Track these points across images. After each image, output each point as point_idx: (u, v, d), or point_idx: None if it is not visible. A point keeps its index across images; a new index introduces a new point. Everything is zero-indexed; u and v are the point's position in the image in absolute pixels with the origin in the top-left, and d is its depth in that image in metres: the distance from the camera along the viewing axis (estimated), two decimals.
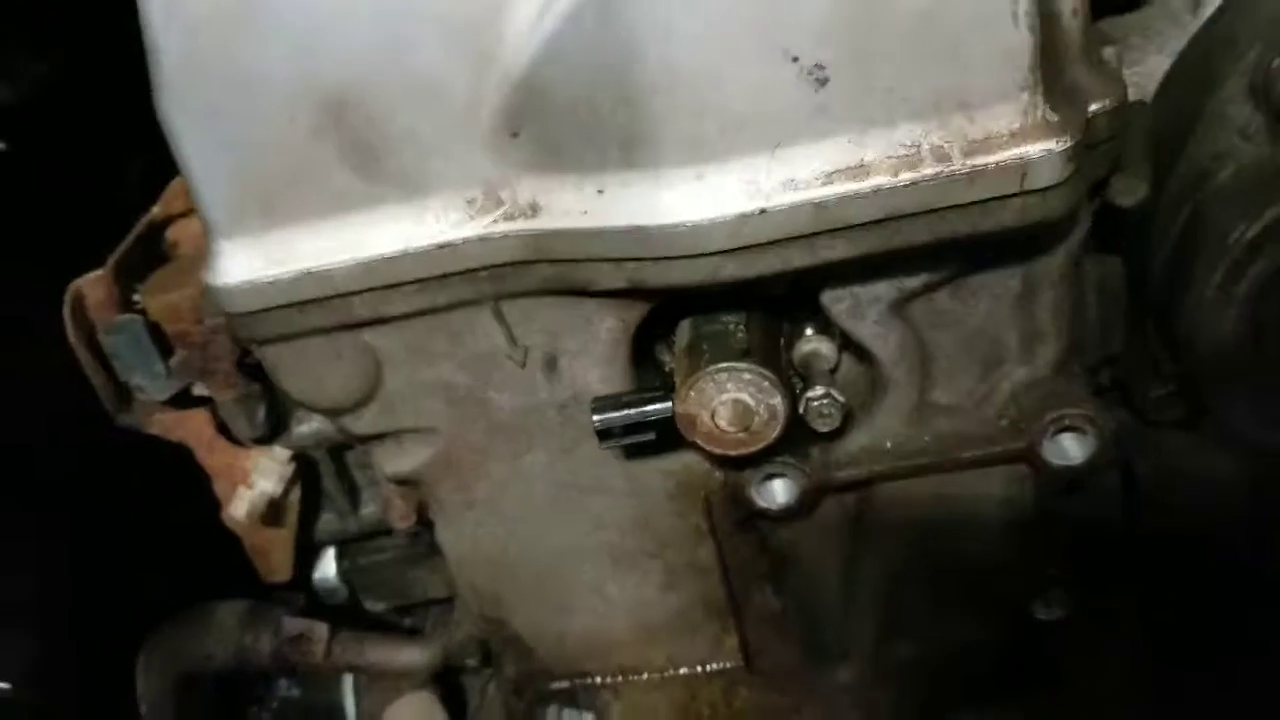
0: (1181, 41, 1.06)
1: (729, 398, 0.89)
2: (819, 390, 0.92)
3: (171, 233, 1.15)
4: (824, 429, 0.94)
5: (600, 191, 0.83)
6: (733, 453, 0.92)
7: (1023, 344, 0.96)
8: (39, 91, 1.50)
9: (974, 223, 0.80)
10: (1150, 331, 1.03)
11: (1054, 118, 0.78)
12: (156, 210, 1.14)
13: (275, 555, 1.15)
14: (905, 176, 0.79)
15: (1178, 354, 0.98)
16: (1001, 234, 0.82)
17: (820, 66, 0.77)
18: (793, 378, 0.98)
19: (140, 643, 1.30)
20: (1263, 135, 0.93)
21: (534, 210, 0.86)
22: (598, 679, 1.20)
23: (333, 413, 1.02)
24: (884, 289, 0.91)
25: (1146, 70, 1.07)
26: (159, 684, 1.27)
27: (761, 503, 1.02)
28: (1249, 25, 0.95)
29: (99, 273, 1.06)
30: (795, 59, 0.77)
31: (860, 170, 0.79)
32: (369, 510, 1.21)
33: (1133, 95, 1.07)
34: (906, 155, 0.79)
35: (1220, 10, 1.01)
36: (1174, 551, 1.07)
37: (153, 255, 1.13)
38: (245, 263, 0.90)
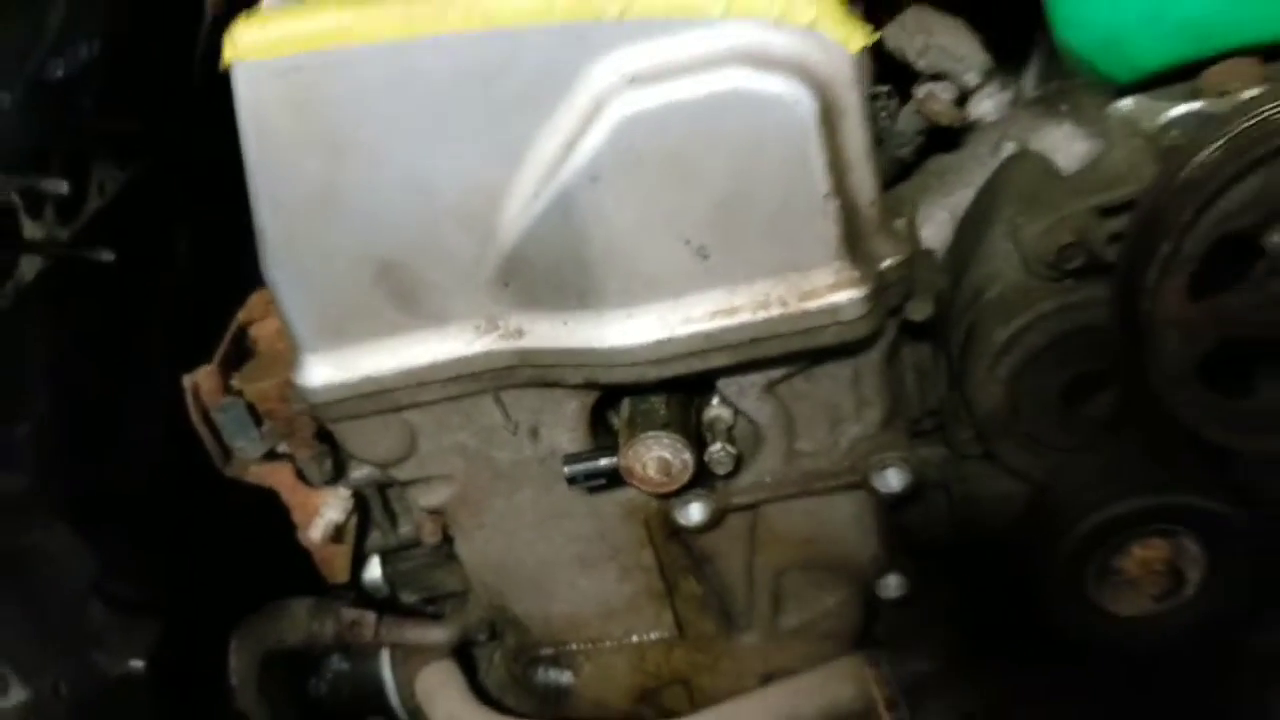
0: (983, 178, 1.35)
1: (655, 455, 1.19)
2: (717, 446, 1.23)
3: (253, 331, 1.43)
4: (721, 472, 1.24)
5: (565, 323, 1.13)
6: (660, 491, 1.22)
7: (856, 410, 1.27)
8: (123, 196, 1.82)
9: (806, 342, 1.13)
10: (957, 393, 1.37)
11: (856, 274, 1.10)
12: (241, 316, 1.43)
13: (337, 564, 1.40)
14: (761, 314, 1.11)
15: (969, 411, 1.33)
16: (826, 349, 1.16)
17: (704, 247, 1.09)
18: (704, 434, 1.27)
19: (232, 631, 1.52)
20: (1016, 268, 1.24)
21: (520, 334, 1.15)
22: (573, 646, 1.45)
23: (382, 466, 1.31)
24: (757, 378, 1.23)
25: (956, 201, 1.38)
26: (246, 662, 1.50)
27: (683, 521, 1.30)
28: (1009, 187, 1.28)
29: (208, 367, 1.34)
30: (688, 242, 1.09)
31: (732, 311, 1.11)
32: (405, 529, 1.45)
33: (947, 221, 1.38)
34: (761, 300, 1.11)
35: (999, 168, 1.33)
36: (980, 548, 1.40)
37: (242, 350, 1.41)
38: (322, 370, 1.19)
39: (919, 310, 1.22)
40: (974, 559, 1.39)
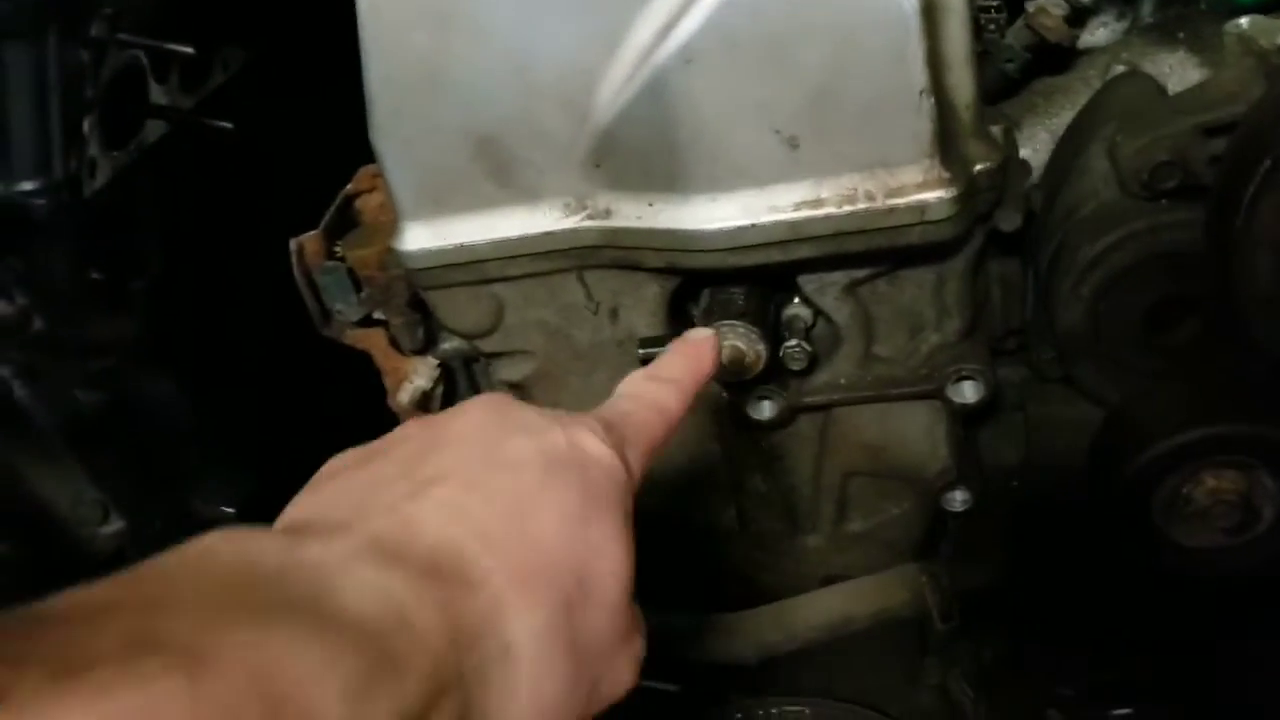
0: None
1: (729, 344, 1.17)
2: (793, 342, 1.24)
3: (359, 203, 1.47)
4: (796, 368, 1.25)
5: (650, 205, 1.14)
6: (731, 380, 1.22)
7: (937, 318, 1.25)
8: (244, 74, 1.89)
9: (891, 240, 1.13)
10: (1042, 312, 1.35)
11: (946, 175, 1.10)
12: (349, 187, 1.47)
13: None
14: (847, 208, 1.11)
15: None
16: (911, 249, 1.16)
17: (794, 137, 1.10)
18: (782, 331, 1.29)
19: None
20: (1112, 186, 1.23)
21: (608, 214, 1.16)
22: None
23: (469, 337, 1.35)
24: (839, 276, 1.22)
25: (1060, 122, 1.38)
26: None
27: (754, 416, 1.30)
28: (1111, 104, 1.26)
29: (314, 233, 1.38)
30: (778, 131, 1.10)
31: (818, 203, 1.12)
32: None
33: (1048, 141, 1.38)
34: (848, 194, 1.11)
35: (1104, 85, 1.32)
36: (1051, 470, 1.42)
37: (347, 219, 1.45)
38: (420, 236, 1.21)
39: (1008, 220, 1.21)
40: (1044, 481, 1.40)
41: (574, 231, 1.19)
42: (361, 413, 1.48)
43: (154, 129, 1.63)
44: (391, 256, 1.30)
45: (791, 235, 1.14)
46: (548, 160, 1.17)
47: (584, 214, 1.20)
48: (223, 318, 1.64)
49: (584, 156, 1.15)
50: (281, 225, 1.45)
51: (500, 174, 1.19)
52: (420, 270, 1.27)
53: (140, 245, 1.63)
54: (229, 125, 1.69)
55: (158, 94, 1.64)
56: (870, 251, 1.18)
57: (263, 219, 1.59)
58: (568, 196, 1.19)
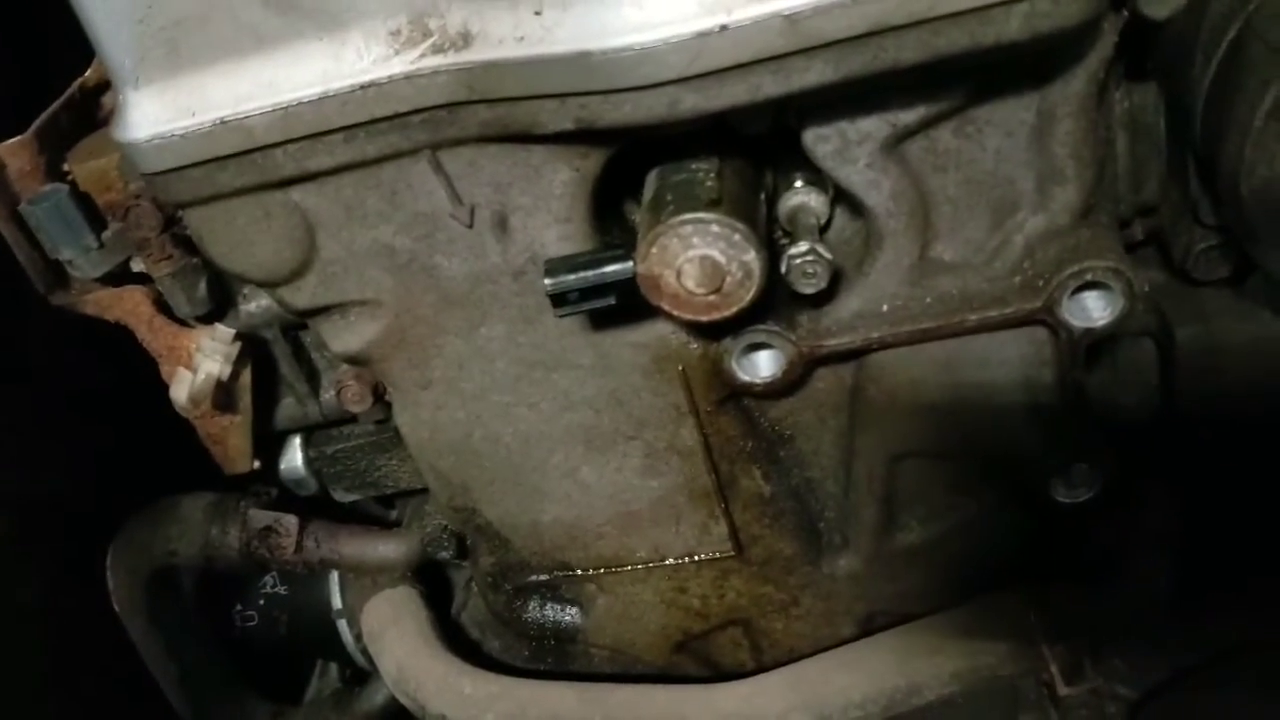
0: None
1: (696, 254, 0.80)
2: (802, 246, 0.83)
3: (108, 98, 1.05)
4: (809, 290, 0.85)
5: (537, 12, 0.75)
6: (704, 318, 0.83)
7: (1039, 187, 0.86)
8: None
9: (973, 35, 0.71)
10: (1192, 174, 0.91)
11: None
12: (89, 73, 1.05)
13: (232, 443, 1.06)
14: None
15: (1222, 199, 0.86)
16: (1007, 51, 0.72)
17: None
18: (779, 235, 0.89)
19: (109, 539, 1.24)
20: None
21: (465, 40, 0.78)
22: (579, 571, 1.11)
23: (269, 284, 0.94)
24: (875, 125, 0.82)
25: None
26: (129, 581, 1.24)
27: (745, 377, 0.94)
28: None
29: (21, 138, 0.97)
30: None
31: None
32: (330, 395, 1.09)
33: None
34: None
35: None
36: (1218, 427, 0.98)
37: (85, 122, 1.04)
38: (154, 114, 0.83)
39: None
40: (1209, 442, 0.98)
41: (411, 80, 0.79)
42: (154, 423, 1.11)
43: None
44: (125, 159, 0.89)
45: (794, 43, 0.71)
46: None
47: (425, 45, 0.78)
48: None
49: None
50: None
51: None
52: (165, 174, 0.85)
53: None
54: None
55: None
56: (931, 65, 0.73)
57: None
58: (394, 16, 0.79)
